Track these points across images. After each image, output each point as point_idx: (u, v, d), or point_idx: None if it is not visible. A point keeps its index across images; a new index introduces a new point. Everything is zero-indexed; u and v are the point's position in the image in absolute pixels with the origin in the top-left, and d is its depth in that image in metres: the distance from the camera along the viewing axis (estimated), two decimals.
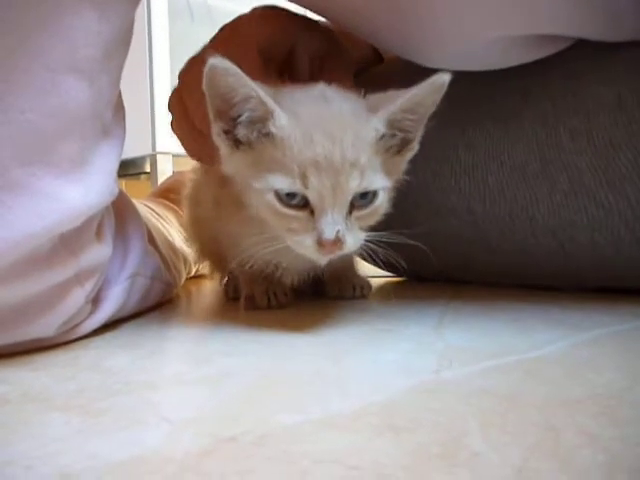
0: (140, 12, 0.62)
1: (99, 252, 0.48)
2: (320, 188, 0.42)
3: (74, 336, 0.47)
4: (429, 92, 0.44)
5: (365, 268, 0.68)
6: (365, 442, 0.26)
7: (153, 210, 0.85)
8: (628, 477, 0.22)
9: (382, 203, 0.47)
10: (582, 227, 0.57)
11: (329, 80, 0.49)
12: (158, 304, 0.63)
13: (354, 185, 0.43)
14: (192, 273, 0.88)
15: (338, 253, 0.44)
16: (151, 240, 0.63)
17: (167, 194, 0.97)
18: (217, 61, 0.41)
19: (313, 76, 0.54)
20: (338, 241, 0.43)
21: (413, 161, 0.50)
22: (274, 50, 0.54)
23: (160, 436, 0.27)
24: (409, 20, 0.52)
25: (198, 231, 0.69)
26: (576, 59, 0.57)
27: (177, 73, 0.56)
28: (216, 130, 0.46)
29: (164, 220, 0.85)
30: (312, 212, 0.44)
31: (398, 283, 0.80)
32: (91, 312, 0.49)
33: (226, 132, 0.46)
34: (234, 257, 0.57)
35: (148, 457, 0.25)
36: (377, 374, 0.36)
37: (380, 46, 0.70)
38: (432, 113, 0.47)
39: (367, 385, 0.34)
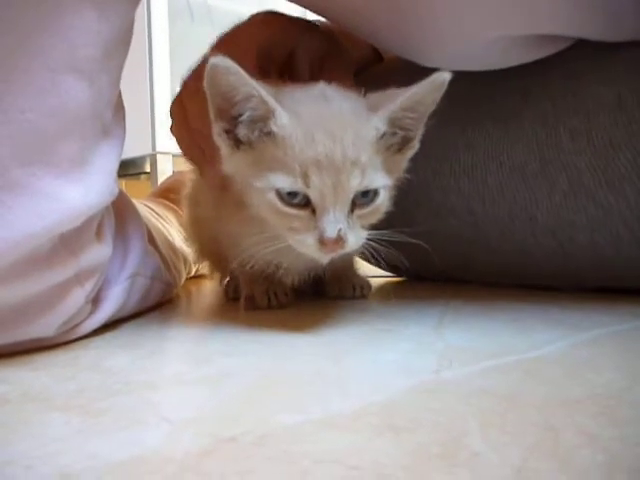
0: (140, 12, 0.62)
1: (99, 252, 0.48)
2: (321, 187, 0.43)
3: (74, 336, 0.47)
4: (429, 90, 0.45)
5: (365, 268, 0.68)
6: (365, 442, 0.26)
7: (153, 210, 0.85)
8: (627, 477, 0.22)
9: (383, 201, 0.47)
10: (582, 227, 0.57)
11: (329, 79, 0.49)
12: (158, 304, 0.63)
13: (355, 184, 0.43)
14: (192, 273, 0.88)
15: (340, 252, 0.44)
16: (151, 240, 0.63)
17: (167, 194, 0.97)
18: (219, 60, 0.41)
19: (313, 77, 0.54)
20: (340, 239, 0.43)
21: (413, 160, 0.50)
22: (274, 53, 0.54)
23: (160, 436, 0.27)
24: (409, 20, 0.52)
25: (198, 231, 0.69)
26: (576, 59, 0.57)
27: (177, 73, 0.57)
28: (217, 130, 0.46)
29: (164, 220, 0.85)
30: (313, 211, 0.44)
31: (398, 283, 0.80)
32: (91, 312, 0.49)
33: (227, 132, 0.46)
34: (235, 257, 0.57)
35: (148, 457, 0.25)
36: (377, 374, 0.36)
37: (380, 46, 0.70)
38: (432, 112, 0.47)
39: (367, 385, 0.34)
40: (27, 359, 0.42)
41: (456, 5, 0.49)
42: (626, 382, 0.33)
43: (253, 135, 0.45)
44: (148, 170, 1.79)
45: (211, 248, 0.67)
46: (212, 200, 0.58)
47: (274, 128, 0.43)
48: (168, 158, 1.72)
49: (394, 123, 0.46)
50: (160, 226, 0.79)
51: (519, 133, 0.58)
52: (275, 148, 0.44)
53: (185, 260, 0.81)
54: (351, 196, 0.44)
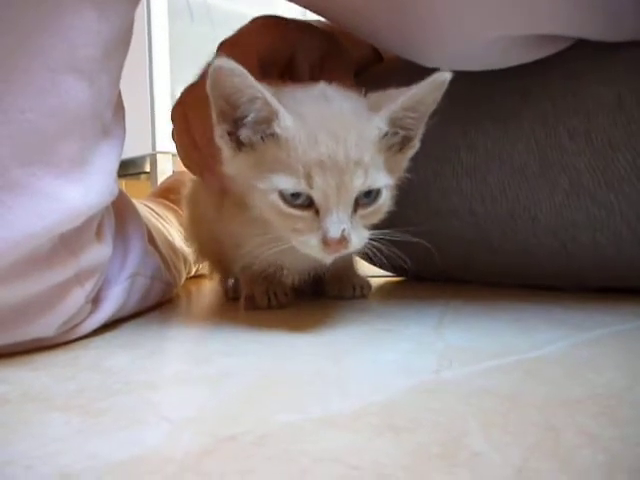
0: (140, 12, 0.62)
1: (99, 252, 0.48)
2: (325, 188, 0.43)
3: (74, 336, 0.47)
4: (430, 90, 0.45)
5: (365, 268, 0.68)
6: (365, 442, 0.26)
7: (153, 210, 0.85)
8: (628, 477, 0.22)
9: (385, 201, 0.47)
10: (583, 227, 0.57)
11: (329, 79, 0.49)
12: (158, 304, 0.63)
13: (358, 184, 0.43)
14: (192, 273, 0.88)
15: (343, 252, 0.45)
16: (151, 240, 0.63)
17: (167, 194, 0.97)
18: (223, 62, 0.41)
19: (314, 77, 0.54)
20: (344, 240, 0.43)
21: (414, 160, 0.50)
22: (275, 57, 0.54)
23: (160, 436, 0.27)
24: (409, 20, 0.52)
25: (197, 231, 0.69)
26: (576, 59, 0.57)
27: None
28: (219, 132, 0.46)
29: (164, 220, 0.85)
30: (317, 212, 0.44)
31: (398, 283, 0.80)
32: (91, 312, 0.49)
33: (229, 134, 0.46)
34: (236, 258, 0.57)
35: (148, 457, 0.25)
36: (377, 374, 0.36)
37: (380, 46, 0.70)
38: (433, 111, 0.47)
39: (367, 385, 0.34)
40: (27, 359, 0.42)
41: (456, 5, 0.49)
42: (627, 382, 0.33)
43: (255, 137, 0.45)
44: (148, 170, 1.79)
45: (211, 248, 0.67)
46: (213, 201, 0.58)
47: (277, 130, 0.43)
48: (168, 158, 1.72)
49: (395, 123, 0.46)
50: (160, 226, 0.79)
51: (519, 133, 0.58)
52: (278, 149, 0.44)
53: (185, 260, 0.81)
54: (354, 196, 0.44)
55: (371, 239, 0.47)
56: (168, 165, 1.72)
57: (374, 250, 0.48)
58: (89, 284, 0.46)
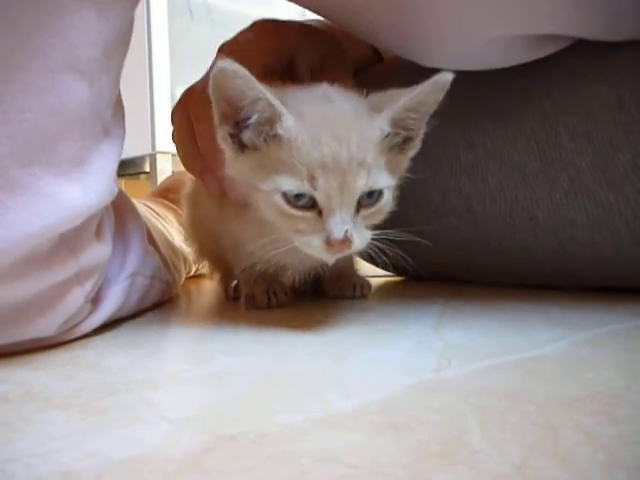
0: (139, 11, 0.62)
1: (99, 252, 0.48)
2: (328, 189, 0.43)
3: (74, 335, 0.47)
4: (432, 91, 0.45)
5: (365, 268, 0.68)
6: (365, 441, 0.26)
7: (153, 210, 0.85)
8: (627, 475, 0.22)
9: (387, 201, 0.47)
10: (582, 226, 0.57)
11: (329, 80, 0.49)
12: (158, 304, 0.63)
13: (361, 184, 0.43)
14: (192, 273, 0.88)
15: (347, 252, 0.45)
16: (151, 240, 0.63)
17: (167, 194, 0.97)
18: (226, 63, 0.41)
19: (314, 79, 0.54)
20: (347, 240, 0.43)
21: (414, 160, 0.50)
22: (275, 61, 0.54)
23: (160, 435, 0.27)
24: (409, 20, 0.52)
25: (198, 231, 0.70)
26: (577, 58, 0.57)
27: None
28: (221, 134, 0.46)
29: (164, 220, 0.85)
30: (320, 212, 0.44)
31: (397, 283, 0.80)
32: (91, 311, 0.49)
33: (231, 135, 0.46)
34: (237, 258, 0.57)
35: (148, 456, 0.25)
36: (377, 373, 0.36)
37: (380, 46, 0.70)
38: (434, 111, 0.47)
39: (367, 384, 0.34)
40: (27, 358, 0.42)
41: (456, 5, 0.49)
42: (626, 381, 0.33)
43: (258, 139, 0.45)
44: (148, 170, 1.79)
45: (211, 248, 0.67)
46: (214, 201, 0.58)
47: (280, 131, 0.43)
48: (168, 158, 1.72)
49: (397, 123, 0.46)
50: (160, 226, 0.79)
51: (519, 132, 0.58)
52: (281, 151, 0.44)
53: (185, 260, 0.81)
54: (357, 197, 0.44)
55: (373, 239, 0.47)
56: (168, 165, 1.72)
57: (377, 251, 0.48)
58: (89, 284, 0.46)
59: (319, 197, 0.43)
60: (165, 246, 0.71)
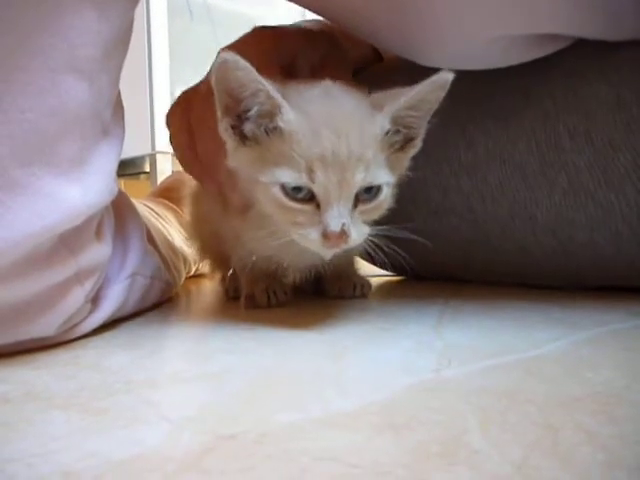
0: (139, 11, 0.62)
1: (99, 251, 0.48)
2: (326, 182, 0.43)
3: (74, 335, 0.47)
4: (432, 90, 0.45)
5: (365, 268, 0.68)
6: (365, 440, 0.26)
7: (153, 210, 0.85)
8: (627, 475, 0.22)
9: (386, 198, 0.47)
10: (581, 226, 0.57)
11: (329, 77, 0.49)
12: (158, 303, 0.63)
13: (359, 179, 0.44)
14: (192, 272, 0.88)
15: (343, 246, 0.45)
16: (150, 240, 0.63)
17: (166, 194, 0.97)
18: (228, 55, 0.41)
19: (314, 78, 0.54)
20: (343, 234, 0.44)
21: (414, 158, 0.50)
22: (276, 64, 0.54)
23: (160, 434, 0.27)
24: (409, 20, 0.52)
25: (200, 229, 0.70)
26: (577, 58, 0.57)
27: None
28: (223, 126, 0.46)
29: (164, 220, 0.85)
30: (318, 206, 0.44)
31: (398, 282, 0.80)
32: (91, 311, 0.49)
33: (233, 127, 0.46)
34: (236, 252, 0.57)
35: (148, 455, 0.25)
36: (377, 373, 0.37)
37: (380, 46, 0.70)
38: (435, 110, 0.47)
39: (367, 384, 0.34)
40: (28, 358, 0.42)
41: (456, 5, 0.49)
42: (625, 381, 0.33)
43: (259, 131, 0.45)
44: (147, 170, 1.79)
45: (212, 245, 0.68)
46: (217, 199, 0.58)
47: (280, 124, 0.44)
48: (167, 158, 1.72)
49: (398, 121, 0.46)
50: (160, 226, 0.79)
51: (519, 132, 0.58)
52: (281, 143, 0.44)
53: (185, 259, 0.81)
54: (355, 192, 0.44)
55: (371, 235, 0.47)
56: (167, 165, 1.72)
57: (374, 248, 0.48)
58: (89, 283, 0.46)
59: (317, 190, 0.43)
60: (165, 246, 0.71)
